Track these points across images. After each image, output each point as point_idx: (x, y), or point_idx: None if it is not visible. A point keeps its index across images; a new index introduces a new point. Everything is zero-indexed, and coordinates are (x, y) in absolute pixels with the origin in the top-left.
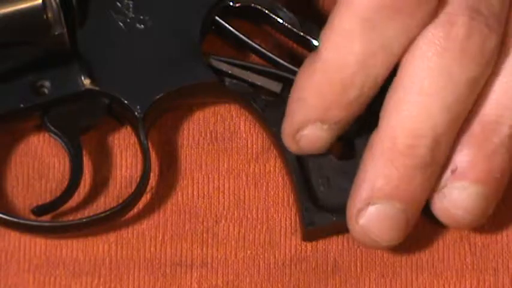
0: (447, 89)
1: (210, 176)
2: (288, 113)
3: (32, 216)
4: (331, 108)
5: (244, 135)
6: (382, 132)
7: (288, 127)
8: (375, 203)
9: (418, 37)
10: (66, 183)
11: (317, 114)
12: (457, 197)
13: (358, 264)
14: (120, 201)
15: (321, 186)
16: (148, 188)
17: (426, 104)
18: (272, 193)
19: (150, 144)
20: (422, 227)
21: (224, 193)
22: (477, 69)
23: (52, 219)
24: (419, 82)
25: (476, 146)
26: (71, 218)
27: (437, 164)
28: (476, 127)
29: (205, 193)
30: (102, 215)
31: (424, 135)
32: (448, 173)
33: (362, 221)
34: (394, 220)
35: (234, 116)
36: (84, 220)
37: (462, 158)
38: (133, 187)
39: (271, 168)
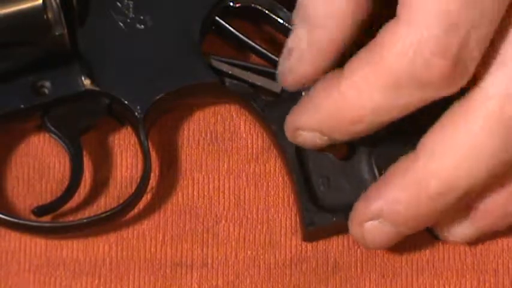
0: (494, 154)
1: (210, 176)
2: (297, 108)
3: (33, 217)
4: (334, 130)
5: (244, 135)
6: (418, 166)
7: (291, 121)
8: (383, 221)
9: (476, 105)
10: (66, 183)
11: (319, 128)
12: (464, 232)
13: (359, 264)
14: (121, 201)
15: (321, 186)
16: (149, 188)
17: (471, 162)
18: (272, 193)
19: (150, 145)
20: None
21: (224, 193)
22: None
23: (52, 220)
24: (469, 143)
25: (504, 200)
26: (71, 218)
27: (458, 207)
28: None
29: (205, 193)
30: (103, 215)
31: (459, 187)
32: (466, 211)
33: (365, 227)
34: (393, 238)
35: (234, 116)
36: (84, 221)
37: (485, 203)
38: (134, 187)
39: (272, 169)
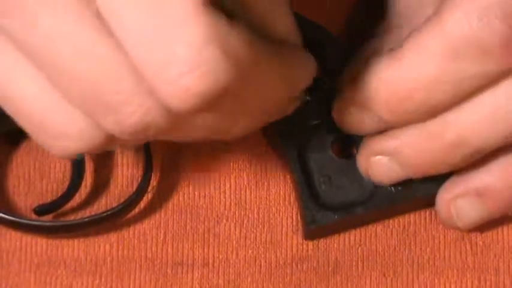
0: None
1: (211, 175)
2: (349, 84)
3: (34, 216)
4: (382, 106)
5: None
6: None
7: (342, 95)
8: (392, 159)
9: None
10: (67, 182)
11: (368, 102)
12: (467, 213)
13: (360, 263)
14: (122, 200)
15: (323, 185)
16: (150, 187)
17: (489, 126)
18: (273, 192)
19: (151, 144)
20: (423, 226)
21: (225, 192)
22: None
23: (54, 219)
24: (493, 110)
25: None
26: (72, 217)
27: (466, 164)
28: None
29: (206, 193)
30: (104, 214)
31: (471, 143)
32: (472, 188)
33: (371, 160)
34: (397, 177)
35: None
36: (85, 220)
37: (490, 180)
38: (135, 186)
39: (273, 167)
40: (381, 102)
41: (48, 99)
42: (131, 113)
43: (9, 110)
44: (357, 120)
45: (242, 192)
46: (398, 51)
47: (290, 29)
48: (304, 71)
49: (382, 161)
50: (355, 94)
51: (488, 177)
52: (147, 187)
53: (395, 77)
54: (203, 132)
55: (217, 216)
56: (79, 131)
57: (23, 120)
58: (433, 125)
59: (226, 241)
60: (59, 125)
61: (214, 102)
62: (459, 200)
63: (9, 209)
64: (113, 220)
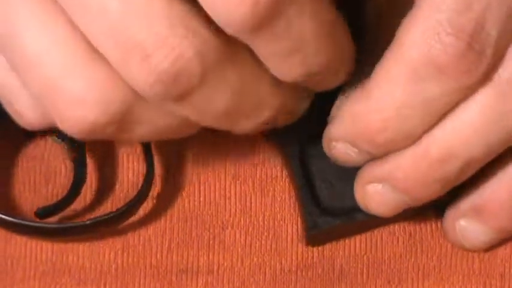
0: (495, 132)
1: (216, 182)
2: (331, 119)
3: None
4: (361, 140)
5: (250, 140)
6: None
7: (326, 131)
8: (386, 185)
9: (479, 91)
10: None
11: (347, 138)
12: (470, 233)
13: (365, 270)
14: None
15: (324, 190)
16: (154, 194)
17: (469, 136)
18: (279, 199)
19: (155, 150)
20: (429, 233)
21: (231, 199)
22: None
23: (58, 222)
24: (470, 120)
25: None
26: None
27: (460, 180)
28: None
29: (211, 199)
30: (106, 217)
31: (458, 156)
32: (471, 204)
33: (367, 189)
34: (395, 205)
35: None
36: (87, 222)
37: (491, 197)
38: None
39: (278, 174)
40: (359, 136)
41: (67, 50)
42: (164, 56)
43: (22, 70)
44: (343, 154)
45: (247, 199)
46: (367, 84)
47: None
48: (349, 48)
49: (376, 188)
50: (337, 130)
51: (485, 193)
52: (149, 190)
53: (367, 110)
54: (228, 101)
55: (223, 223)
56: (99, 94)
57: (34, 80)
58: (417, 147)
59: (231, 248)
60: (77, 87)
61: (268, 20)
62: (462, 220)
63: (14, 213)
64: (116, 223)
